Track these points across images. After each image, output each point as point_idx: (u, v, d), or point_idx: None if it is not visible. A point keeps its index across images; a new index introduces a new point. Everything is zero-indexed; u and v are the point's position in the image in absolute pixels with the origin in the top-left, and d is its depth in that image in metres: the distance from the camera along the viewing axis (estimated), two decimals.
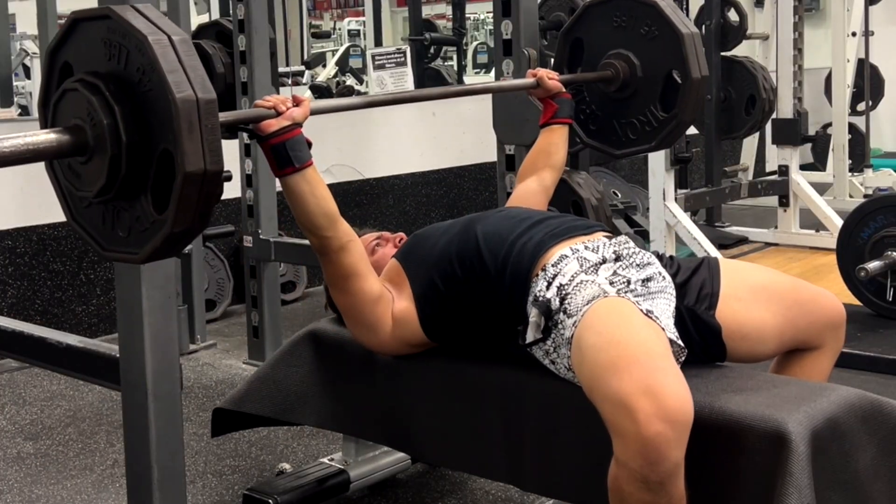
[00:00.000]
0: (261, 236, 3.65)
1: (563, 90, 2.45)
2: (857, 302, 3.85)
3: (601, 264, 1.87)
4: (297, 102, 1.85)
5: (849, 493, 1.69)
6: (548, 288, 1.83)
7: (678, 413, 1.53)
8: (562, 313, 1.79)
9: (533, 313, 1.84)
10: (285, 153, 1.81)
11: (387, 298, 2.00)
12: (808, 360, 2.01)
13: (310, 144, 1.85)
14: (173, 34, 1.35)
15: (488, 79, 7.46)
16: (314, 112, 1.89)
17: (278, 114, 1.81)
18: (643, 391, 1.54)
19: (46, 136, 1.38)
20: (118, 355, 2.07)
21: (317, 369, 2.26)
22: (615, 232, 2.07)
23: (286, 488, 2.45)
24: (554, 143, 2.43)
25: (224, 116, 1.64)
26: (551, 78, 2.43)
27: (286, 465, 2.69)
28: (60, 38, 1.47)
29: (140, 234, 1.42)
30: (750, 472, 1.64)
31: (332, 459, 2.58)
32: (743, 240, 5.56)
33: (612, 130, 2.59)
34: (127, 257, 1.45)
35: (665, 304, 1.85)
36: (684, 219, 4.63)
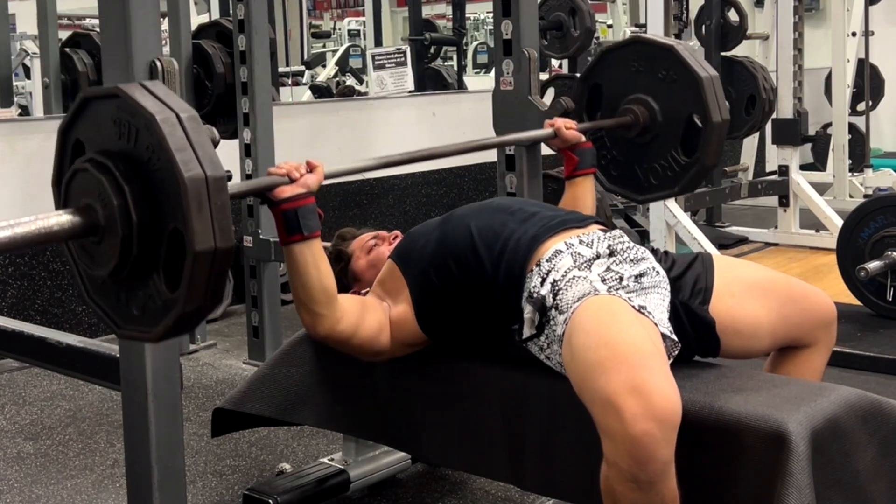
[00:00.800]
0: (261, 236, 3.65)
1: (583, 139, 2.40)
2: (857, 302, 3.85)
3: (595, 259, 1.88)
4: (310, 168, 1.84)
5: (849, 493, 1.69)
6: (542, 284, 1.84)
7: (665, 412, 1.54)
8: (554, 310, 1.80)
9: (528, 309, 1.84)
10: (296, 220, 1.81)
11: (384, 324, 1.99)
12: (801, 357, 2.02)
13: (321, 216, 1.85)
14: (181, 111, 1.35)
15: (488, 79, 7.46)
16: (328, 177, 1.88)
17: (292, 181, 1.81)
18: (630, 390, 1.54)
19: (58, 219, 1.38)
20: (118, 355, 2.07)
21: (317, 369, 2.26)
22: (610, 227, 2.07)
23: (286, 488, 2.45)
24: (580, 196, 2.38)
25: (238, 186, 1.64)
26: (569, 128, 2.39)
27: (286, 465, 2.69)
28: (72, 116, 1.47)
29: (154, 312, 1.41)
30: (750, 472, 1.64)
31: (332, 459, 2.58)
32: (743, 240, 5.56)
33: (634, 175, 2.56)
34: (141, 336, 1.45)
35: (658, 300, 1.85)
36: (684, 219, 4.64)
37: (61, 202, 1.46)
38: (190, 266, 1.32)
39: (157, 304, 1.40)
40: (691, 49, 2.49)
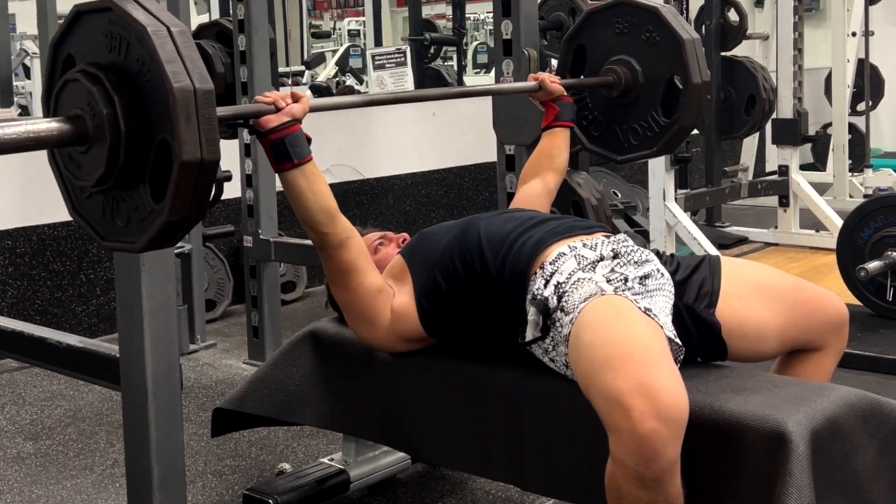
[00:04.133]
0: (261, 236, 3.65)
1: (565, 94, 2.46)
2: (857, 302, 3.84)
3: (599, 262, 1.88)
4: (295, 99, 1.86)
5: (849, 493, 1.69)
6: (545, 286, 1.84)
7: (672, 410, 1.54)
8: (559, 311, 1.80)
9: (531, 312, 1.84)
10: (284, 149, 1.82)
11: (387, 293, 2.01)
12: (810, 360, 1.99)
13: (309, 140, 1.86)
14: (172, 26, 1.37)
15: (488, 79, 7.47)
16: (313, 109, 1.90)
17: (278, 110, 1.82)
18: (637, 388, 1.54)
19: (48, 125, 1.40)
20: (118, 355, 2.07)
21: (317, 369, 2.26)
22: (615, 232, 2.07)
23: (286, 488, 2.45)
24: (556, 146, 2.44)
25: (223, 111, 1.66)
26: (553, 81, 2.44)
27: (286, 465, 2.69)
28: (64, 30, 1.49)
29: (138, 223, 1.44)
30: (750, 472, 1.64)
31: (332, 459, 2.58)
32: (743, 240, 5.56)
33: (614, 136, 2.60)
34: (125, 247, 1.47)
35: (663, 302, 1.85)
36: (684, 219, 4.63)
37: (51, 112, 1.48)
38: (176, 175, 1.35)
39: (143, 214, 1.43)
40: (675, 12, 2.50)
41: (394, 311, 2.00)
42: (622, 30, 2.54)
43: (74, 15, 1.47)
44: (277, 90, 4.11)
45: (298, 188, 1.86)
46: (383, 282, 2.02)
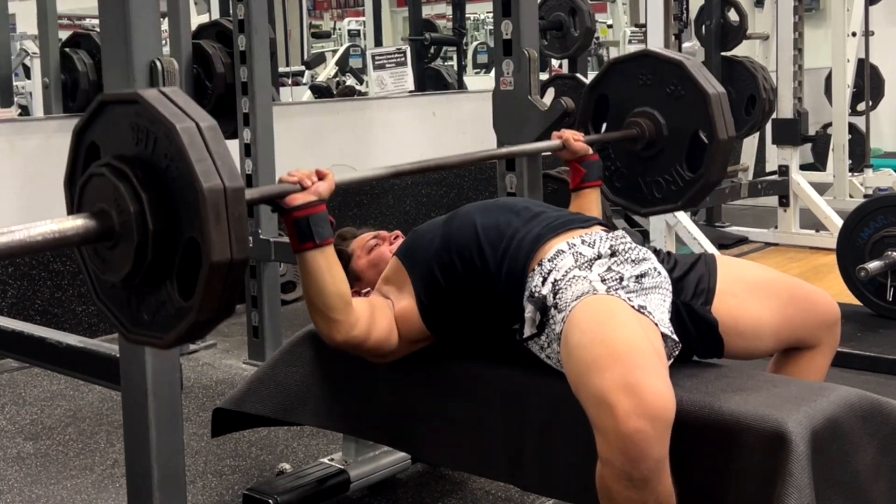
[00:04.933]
0: (261, 236, 3.65)
1: (590, 152, 2.39)
2: (857, 302, 3.85)
3: (596, 259, 1.88)
4: (321, 176, 1.84)
5: (849, 493, 1.69)
6: (543, 283, 1.84)
7: (658, 410, 1.54)
8: (553, 309, 1.80)
9: (529, 309, 1.85)
10: (308, 228, 1.80)
11: (393, 323, 1.98)
12: (804, 358, 2.02)
13: (332, 223, 1.85)
14: (201, 121, 1.34)
15: (488, 79, 7.46)
16: (339, 185, 1.87)
17: (303, 188, 1.80)
18: (622, 388, 1.55)
19: (73, 223, 1.36)
20: (118, 355, 2.07)
21: (317, 369, 2.26)
22: (612, 227, 2.07)
23: (286, 488, 2.45)
24: (586, 208, 2.36)
25: (250, 194, 1.62)
26: (577, 140, 2.37)
27: (286, 465, 2.69)
28: (88, 118, 1.45)
29: (165, 319, 1.40)
30: (750, 471, 1.64)
31: (332, 459, 2.58)
32: (743, 240, 5.56)
33: (638, 188, 2.54)
34: (152, 342, 1.44)
35: (659, 300, 1.85)
36: (684, 219, 4.64)
37: (75, 205, 1.45)
38: (205, 276, 1.31)
39: (170, 310, 1.39)
40: (699, 65, 2.46)
41: (397, 318, 2.00)
42: (646, 81, 2.49)
43: (99, 104, 1.44)
44: (277, 90, 4.10)
45: (317, 269, 1.83)
46: (389, 321, 1.98)
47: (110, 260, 1.42)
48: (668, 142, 2.47)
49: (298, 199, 1.80)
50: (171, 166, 1.34)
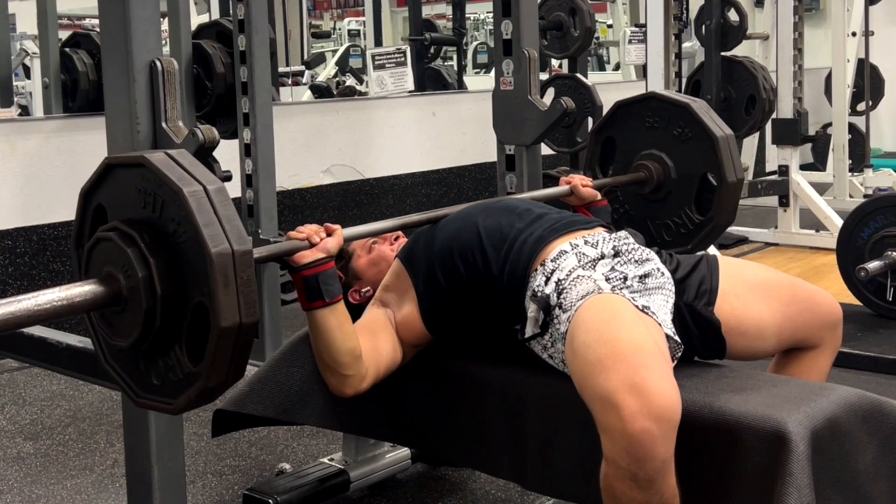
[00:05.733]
0: (261, 236, 3.65)
1: (599, 197, 2.38)
2: (857, 302, 3.85)
3: (600, 260, 1.88)
4: (329, 232, 1.83)
5: (849, 493, 1.69)
6: (546, 283, 1.84)
7: (664, 410, 1.54)
8: (557, 308, 1.80)
9: (532, 308, 1.85)
10: (317, 287, 1.79)
11: (396, 341, 1.98)
12: (806, 359, 2.02)
13: (341, 279, 1.84)
14: (208, 184, 1.33)
15: (488, 79, 7.47)
16: (347, 239, 1.87)
17: (311, 245, 1.80)
18: (629, 388, 1.55)
19: (81, 289, 1.36)
20: None
21: (317, 369, 2.26)
22: (615, 230, 2.07)
23: (286, 488, 2.45)
24: None
25: (258, 253, 1.62)
26: (585, 185, 2.37)
27: (286, 465, 2.69)
28: (95, 180, 1.45)
29: (174, 384, 1.39)
30: (750, 472, 1.64)
31: (332, 459, 2.58)
32: (743, 240, 5.56)
33: (647, 231, 2.52)
34: (162, 407, 1.43)
35: (662, 301, 1.85)
36: None
37: (82, 268, 1.44)
38: (215, 341, 1.31)
39: (179, 375, 1.38)
40: (706, 107, 2.46)
41: (399, 324, 1.99)
42: (652, 124, 2.49)
43: (106, 167, 1.43)
44: (277, 90, 4.10)
45: (327, 327, 1.83)
46: (392, 342, 1.98)
47: (118, 325, 1.41)
48: (677, 185, 2.46)
49: (307, 256, 1.79)
50: (179, 230, 1.33)
